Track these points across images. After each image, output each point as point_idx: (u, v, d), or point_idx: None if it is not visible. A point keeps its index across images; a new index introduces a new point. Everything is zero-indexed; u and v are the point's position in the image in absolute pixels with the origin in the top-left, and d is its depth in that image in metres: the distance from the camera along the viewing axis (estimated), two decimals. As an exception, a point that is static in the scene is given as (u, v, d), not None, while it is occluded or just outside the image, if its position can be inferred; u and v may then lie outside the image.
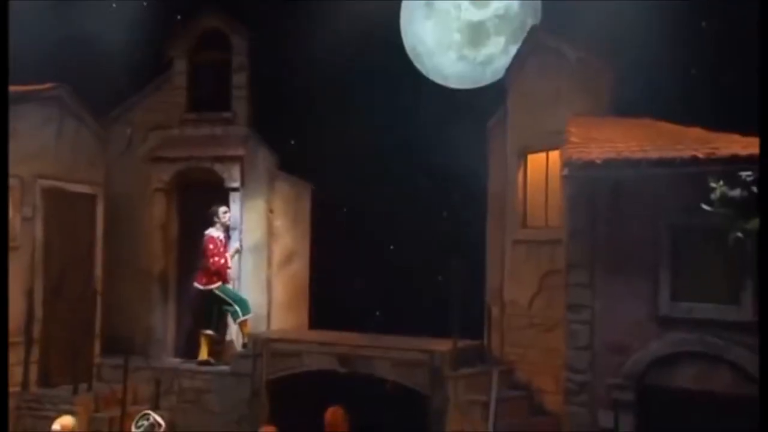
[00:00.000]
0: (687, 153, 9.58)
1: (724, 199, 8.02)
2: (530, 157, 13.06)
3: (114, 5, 15.51)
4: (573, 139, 10.71)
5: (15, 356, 13.62)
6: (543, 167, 12.91)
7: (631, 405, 9.95)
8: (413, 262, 14.83)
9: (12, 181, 13.55)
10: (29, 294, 13.87)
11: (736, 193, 7.98)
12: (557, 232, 11.87)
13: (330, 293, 15.51)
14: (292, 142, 15.66)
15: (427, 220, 14.72)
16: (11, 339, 13.44)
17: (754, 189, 7.85)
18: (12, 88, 13.33)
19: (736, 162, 8.84)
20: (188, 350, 15.24)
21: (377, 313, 14.92)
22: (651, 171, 9.72)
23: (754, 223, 7.76)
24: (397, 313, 14.33)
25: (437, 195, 14.54)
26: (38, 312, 13.97)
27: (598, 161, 9.89)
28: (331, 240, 15.58)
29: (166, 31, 15.84)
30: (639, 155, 9.87)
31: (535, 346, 12.74)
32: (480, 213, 13.98)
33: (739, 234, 7.91)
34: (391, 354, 13.00)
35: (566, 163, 10.21)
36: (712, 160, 9.24)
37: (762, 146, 7.71)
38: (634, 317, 9.97)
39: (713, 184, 8.07)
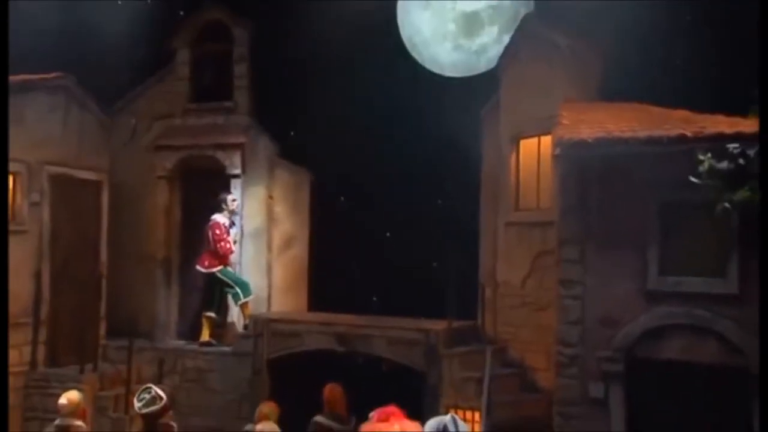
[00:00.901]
0: (675, 132, 9.58)
1: (712, 171, 8.04)
2: (522, 142, 13.04)
3: (120, 2, 15.43)
4: (564, 121, 10.70)
5: (23, 336, 13.70)
6: (535, 152, 12.89)
7: (621, 376, 9.94)
8: (409, 248, 14.78)
9: (19, 167, 13.63)
10: (37, 276, 13.91)
11: (723, 165, 8.01)
12: (549, 213, 11.85)
13: (328, 277, 15.51)
14: (292, 134, 15.65)
15: (422, 206, 14.67)
16: (19, 320, 13.52)
17: (741, 161, 7.86)
18: (19, 77, 13.40)
19: (722, 139, 8.85)
20: (191, 334, 15.19)
21: (374, 298, 14.87)
22: (640, 149, 9.73)
23: (740, 194, 7.77)
24: (394, 296, 14.29)
25: (432, 181, 14.49)
26: (45, 294, 14.04)
27: (589, 140, 9.89)
28: (330, 226, 15.56)
29: (170, 24, 15.80)
30: (628, 134, 9.88)
31: (527, 325, 12.72)
32: (474, 198, 13.97)
33: (726, 205, 7.93)
34: (387, 333, 13.02)
35: (558, 142, 10.22)
36: (699, 138, 9.23)
37: (762, 140, 7.65)
38: (623, 292, 9.96)
39: (701, 157, 8.09)
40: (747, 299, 9.31)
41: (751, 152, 7.83)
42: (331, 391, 10.29)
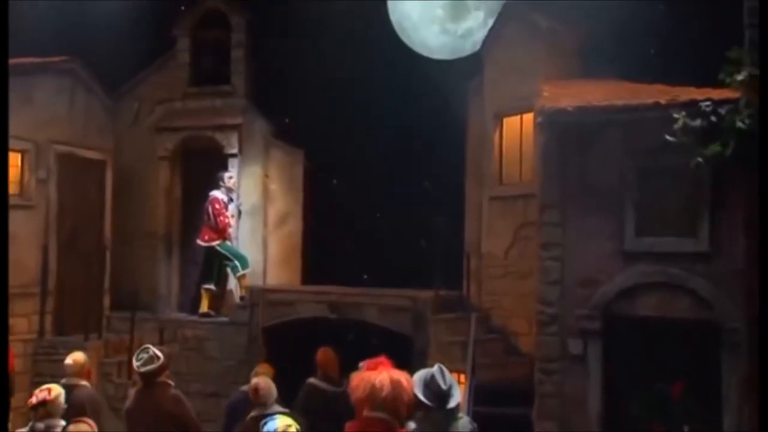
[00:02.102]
0: (649, 100, 9.63)
1: (686, 129, 8.11)
2: (506, 120, 13.11)
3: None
4: (545, 94, 10.74)
5: (31, 306, 13.83)
6: (517, 129, 12.98)
7: (599, 333, 9.97)
8: (398, 225, 14.83)
9: (27, 145, 13.77)
10: (44, 249, 13.99)
11: (697, 122, 8.06)
12: (530, 186, 11.87)
13: (321, 252, 15.59)
14: (287, 120, 15.70)
15: (410, 183, 14.72)
16: (28, 290, 13.58)
17: (713, 119, 7.93)
18: (28, 60, 13.46)
19: (694, 104, 8.89)
20: (191, 306, 15.27)
21: (365, 276, 14.88)
22: (616, 117, 9.80)
23: (712, 148, 7.84)
24: (383, 270, 14.29)
25: (420, 159, 14.54)
26: (53, 266, 14.12)
27: (569, 109, 9.95)
28: (322, 203, 15.65)
29: (171, 14, 15.86)
30: (605, 103, 9.94)
31: (509, 293, 12.78)
32: (459, 174, 14.02)
33: (699, 159, 7.98)
34: (377, 301, 13.04)
35: (539, 111, 10.27)
36: (672, 105, 9.25)
37: (761, 150, 7.68)
38: (601, 253, 9.98)
39: (676, 116, 8.16)
40: (716, 257, 9.43)
41: (722, 110, 7.90)
42: (324, 354, 10.33)
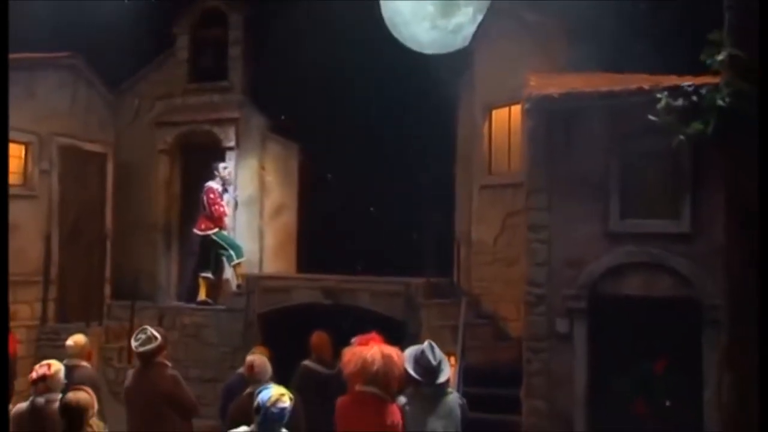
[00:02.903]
0: (633, 86, 9.65)
1: (669, 108, 8.12)
2: (494, 112, 13.17)
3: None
4: (532, 83, 10.76)
5: (35, 294, 13.87)
6: (506, 121, 13.04)
7: (584, 312, 9.96)
8: (391, 216, 14.87)
9: (31, 138, 13.83)
10: (47, 239, 14.01)
11: (679, 102, 8.08)
12: (518, 176, 11.88)
13: (315, 242, 15.59)
14: (283, 118, 15.74)
15: (403, 174, 14.75)
16: (31, 278, 13.59)
17: (694, 98, 7.95)
18: (32, 55, 13.47)
19: (677, 88, 8.89)
20: (188, 295, 15.23)
21: (359, 267, 14.87)
22: (601, 102, 9.81)
23: (694, 126, 7.85)
24: (376, 259, 14.27)
25: (412, 150, 14.56)
26: (55, 255, 14.15)
27: (555, 95, 9.97)
28: (317, 195, 15.65)
29: (171, 13, 15.88)
30: (590, 89, 9.97)
31: (498, 279, 12.80)
32: (450, 164, 14.05)
33: (681, 137, 8.00)
34: (370, 287, 13.02)
35: (527, 98, 10.28)
36: (655, 90, 9.25)
37: (761, 147, 7.69)
38: (587, 235, 9.97)
39: (659, 96, 8.17)
40: (697, 237, 9.47)
41: (703, 90, 7.92)
42: (318, 338, 10.32)
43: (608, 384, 9.80)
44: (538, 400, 10.17)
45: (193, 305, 14.52)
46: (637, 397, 9.64)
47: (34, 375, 8.02)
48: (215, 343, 13.88)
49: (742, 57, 7.56)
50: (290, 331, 12.78)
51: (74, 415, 6.66)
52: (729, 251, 8.45)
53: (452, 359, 11.78)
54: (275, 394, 6.44)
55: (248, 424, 6.42)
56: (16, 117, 12.88)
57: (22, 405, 8.21)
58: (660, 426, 9.49)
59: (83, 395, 6.84)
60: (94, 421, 6.75)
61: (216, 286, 14.76)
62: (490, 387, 10.95)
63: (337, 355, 9.51)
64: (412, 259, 13.38)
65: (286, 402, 6.45)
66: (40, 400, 7.87)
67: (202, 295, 14.47)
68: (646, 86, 9.47)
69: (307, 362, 10.18)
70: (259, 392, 6.56)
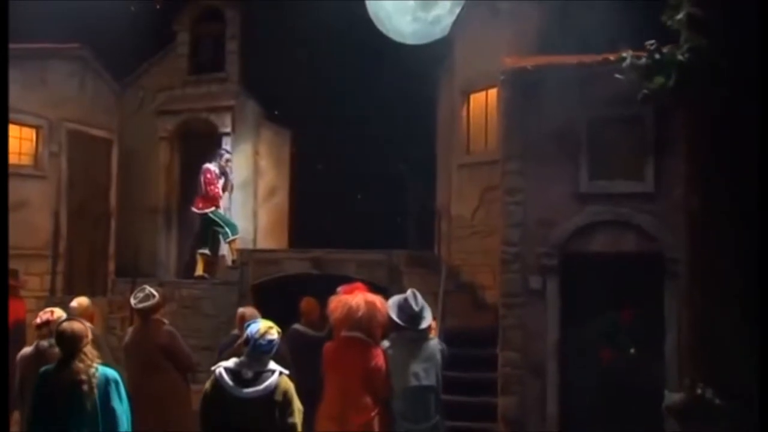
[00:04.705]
0: (600, 57, 9.71)
1: (633, 66, 8.14)
2: (472, 96, 13.22)
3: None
4: (507, 61, 10.81)
5: (44, 267, 13.82)
6: (483, 104, 13.09)
7: (556, 269, 9.97)
8: (377, 196, 14.91)
9: (41, 122, 13.89)
10: (56, 216, 14.01)
11: (642, 61, 8.12)
12: (494, 154, 11.91)
13: (306, 222, 15.62)
14: (276, 113, 15.80)
15: (387, 156, 14.81)
16: (41, 252, 13.57)
17: (657, 56, 7.99)
18: (43, 45, 13.54)
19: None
20: (186, 273, 15.18)
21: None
22: (571, 73, 9.87)
23: (656, 81, 7.89)
24: (364, 239, 14.28)
25: (396, 133, 14.63)
26: (63, 231, 14.14)
27: (529, 67, 10.06)
28: (307, 178, 15.66)
29: (174, 11, 15.95)
30: (560, 61, 10.04)
31: (476, 250, 12.79)
32: (431, 145, 14.11)
33: (645, 91, 8.04)
34: (356, 257, 12.99)
35: (502, 70, 10.35)
36: (619, 60, 9.30)
37: (762, 145, 7.74)
38: (558, 196, 9.97)
39: (624, 55, 8.20)
40: (660, 196, 9.49)
41: (665, 49, 7.97)
42: (307, 303, 10.31)
43: (578, 335, 9.83)
44: (512, 352, 10.15)
45: (191, 280, 14.47)
46: (604, 346, 9.68)
47: (38, 320, 8.02)
48: (211, 314, 13.78)
49: (700, 15, 7.62)
50: (282, 299, 12.76)
51: (69, 342, 6.60)
52: (689, 208, 8.52)
53: (434, 328, 11.80)
54: (263, 327, 6.45)
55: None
56: (28, 102, 13.41)
57: (28, 349, 8.22)
58: (626, 372, 9.51)
59: (77, 324, 6.80)
60: (89, 349, 6.70)
61: (213, 263, 14.72)
62: (468, 348, 10.94)
63: (324, 319, 9.57)
64: (397, 234, 13.39)
65: (274, 334, 6.46)
66: (44, 343, 7.86)
67: (199, 271, 14.40)
68: (611, 57, 9.52)
69: (297, 326, 10.17)
70: (248, 326, 6.57)
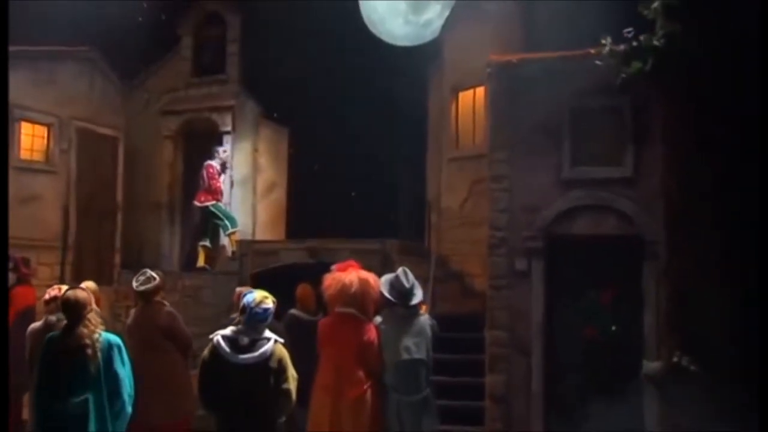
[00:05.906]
0: (582, 51, 9.72)
1: (612, 52, 8.21)
2: (461, 94, 13.20)
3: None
4: (493, 57, 10.82)
5: (54, 257, 13.87)
6: (471, 101, 13.07)
7: (541, 251, 9.95)
8: (371, 192, 14.91)
9: (51, 119, 13.96)
10: (65, 209, 14.07)
11: (620, 47, 8.19)
12: (481, 148, 11.87)
13: (303, 217, 15.59)
14: (275, 115, 15.82)
15: (381, 153, 14.82)
16: (51, 243, 13.56)
17: (634, 43, 8.05)
18: (55, 47, 13.63)
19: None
20: (188, 265, 15.20)
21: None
22: (554, 65, 9.88)
23: (634, 66, 7.96)
24: (359, 232, 14.28)
25: (389, 130, 14.65)
26: (72, 224, 14.19)
27: (514, 60, 10.08)
28: (305, 174, 15.65)
29: (176, 17, 15.98)
30: (544, 55, 10.07)
31: (465, 240, 12.71)
32: (422, 141, 14.14)
33: (624, 75, 8.10)
34: (350, 246, 12.94)
35: (489, 64, 10.36)
36: (599, 55, 9.32)
37: (762, 147, 7.77)
38: (543, 183, 9.95)
39: (603, 42, 8.26)
40: (639, 181, 9.48)
41: (642, 36, 8.02)
42: (303, 289, 10.31)
43: (562, 314, 9.84)
44: (499, 330, 10.12)
45: (193, 272, 14.47)
46: (587, 324, 9.68)
47: (47, 296, 8.02)
48: (212, 303, 13.75)
49: (674, 3, 7.69)
50: (279, 287, 12.70)
51: (73, 309, 6.63)
52: (666, 191, 8.58)
53: (424, 308, 11.78)
54: (259, 297, 6.49)
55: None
56: (39, 101, 13.56)
57: (37, 323, 8.21)
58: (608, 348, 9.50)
59: (81, 292, 6.82)
60: (93, 316, 6.71)
61: (214, 255, 14.71)
62: (457, 332, 10.92)
63: (319, 304, 9.56)
64: (390, 227, 13.38)
65: (269, 303, 6.50)
66: (52, 318, 7.87)
67: (201, 263, 14.43)
68: (592, 50, 9.54)
69: (293, 311, 10.16)
70: (245, 296, 6.58)
